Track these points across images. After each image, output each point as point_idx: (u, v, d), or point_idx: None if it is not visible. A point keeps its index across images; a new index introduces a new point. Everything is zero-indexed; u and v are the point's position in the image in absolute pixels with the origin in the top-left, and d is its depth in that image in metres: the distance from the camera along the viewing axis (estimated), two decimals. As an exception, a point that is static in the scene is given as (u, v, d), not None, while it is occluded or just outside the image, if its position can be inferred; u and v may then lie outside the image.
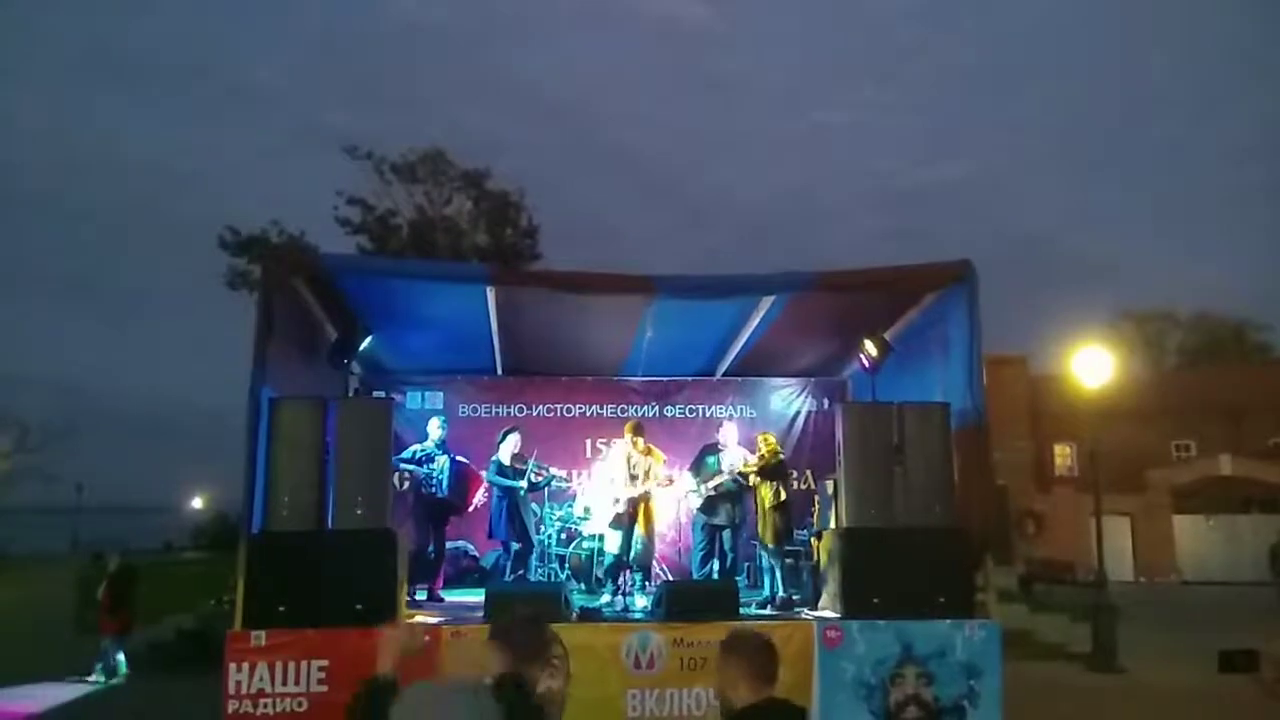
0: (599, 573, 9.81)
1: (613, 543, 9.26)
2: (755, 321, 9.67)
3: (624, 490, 9.09)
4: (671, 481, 9.72)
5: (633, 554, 9.07)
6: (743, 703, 2.55)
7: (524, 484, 9.36)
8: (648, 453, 9.25)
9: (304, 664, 6.80)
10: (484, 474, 9.60)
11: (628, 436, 9.29)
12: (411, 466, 9.29)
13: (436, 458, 9.36)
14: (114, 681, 10.74)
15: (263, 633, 6.84)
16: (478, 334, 9.92)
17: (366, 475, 7.40)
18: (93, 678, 10.68)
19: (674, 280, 8.38)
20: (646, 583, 9.37)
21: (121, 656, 10.94)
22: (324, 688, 6.76)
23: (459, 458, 9.56)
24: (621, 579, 8.97)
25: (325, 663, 6.80)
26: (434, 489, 9.27)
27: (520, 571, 9.30)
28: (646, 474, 9.13)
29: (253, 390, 7.25)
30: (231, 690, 6.74)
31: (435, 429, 9.63)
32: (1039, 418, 30.19)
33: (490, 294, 8.70)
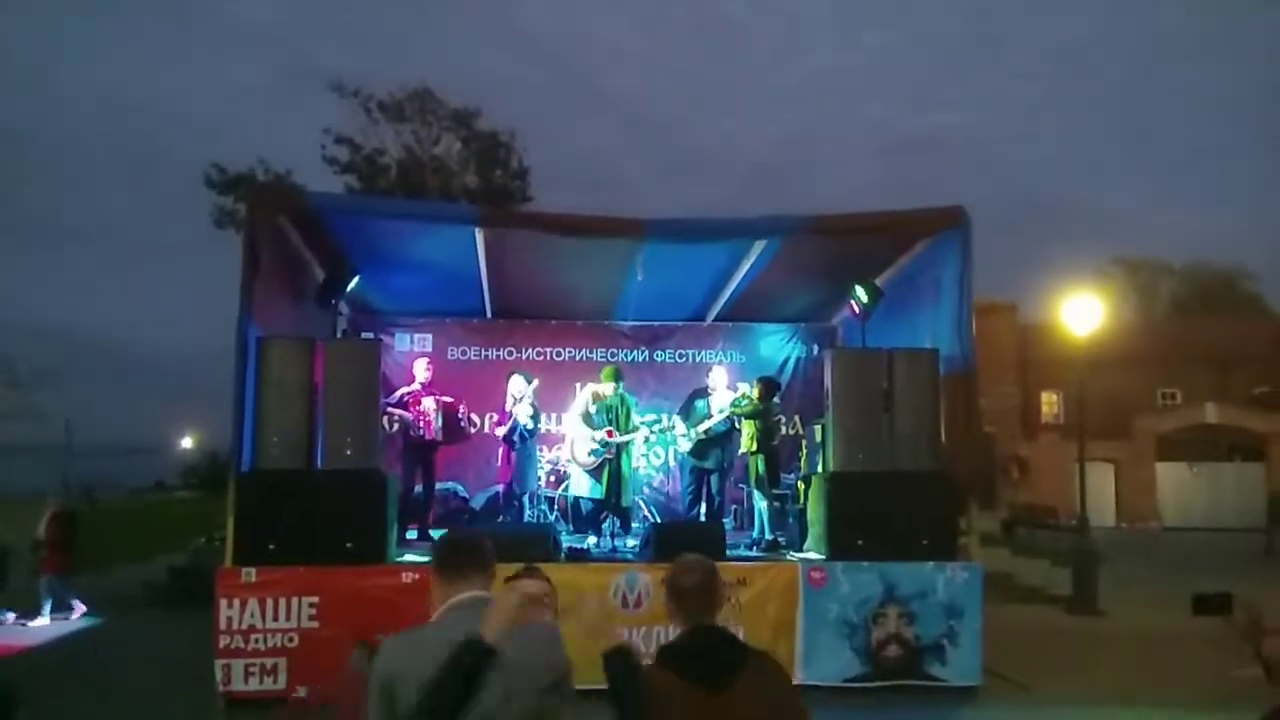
0: (583, 514, 9.91)
1: (584, 486, 9.34)
2: (747, 266, 9.63)
3: (600, 435, 9.14)
4: (662, 430, 9.80)
5: (615, 498, 9.14)
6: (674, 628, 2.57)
7: (502, 431, 9.44)
8: (621, 402, 9.27)
9: (295, 600, 6.89)
10: (500, 431, 9.63)
11: (605, 382, 9.31)
12: (399, 411, 9.30)
13: (423, 400, 9.37)
14: (77, 618, 10.72)
15: (253, 570, 6.92)
16: (467, 276, 9.86)
17: (355, 416, 7.42)
18: (44, 619, 10.64)
19: (665, 223, 8.31)
20: (633, 524, 9.46)
21: (76, 600, 10.90)
22: (315, 624, 6.86)
23: (445, 398, 9.56)
24: (604, 522, 9.06)
25: (316, 599, 6.89)
26: (421, 431, 9.30)
27: (506, 514, 9.41)
28: (625, 418, 9.17)
29: (240, 329, 7.22)
30: (223, 626, 6.83)
31: (422, 371, 9.63)
32: (1027, 365, 30.35)
33: (479, 235, 8.63)
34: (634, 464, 9.75)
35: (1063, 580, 12.92)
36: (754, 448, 8.99)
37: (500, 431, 9.53)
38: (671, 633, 2.61)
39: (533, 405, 9.54)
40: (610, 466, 9.11)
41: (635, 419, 9.34)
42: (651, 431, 9.62)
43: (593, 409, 9.27)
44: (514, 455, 9.42)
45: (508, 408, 9.53)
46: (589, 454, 9.27)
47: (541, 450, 10.56)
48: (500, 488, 9.92)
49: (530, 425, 9.48)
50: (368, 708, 2.39)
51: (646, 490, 11.11)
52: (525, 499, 9.62)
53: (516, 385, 9.58)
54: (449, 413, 9.49)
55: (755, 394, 9.18)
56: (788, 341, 11.89)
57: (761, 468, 8.98)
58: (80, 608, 10.95)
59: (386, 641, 2.36)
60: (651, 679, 2.41)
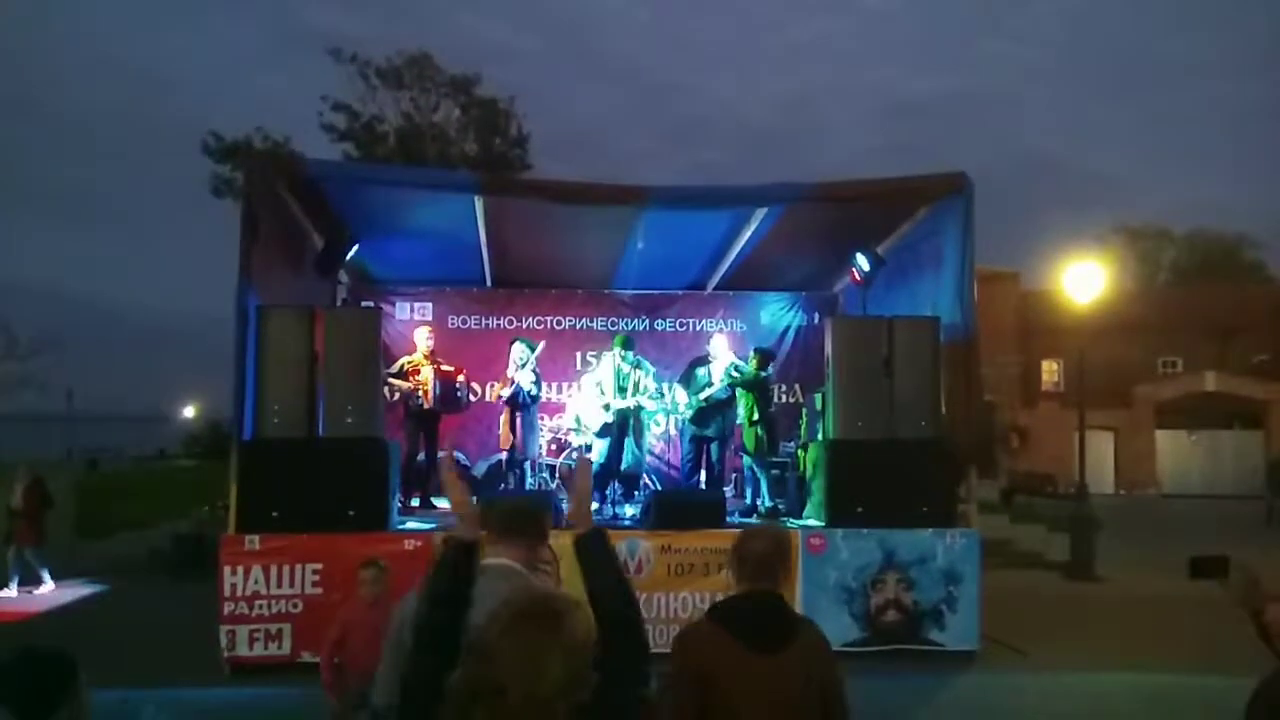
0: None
1: (598, 452, 9.36)
2: (747, 234, 9.59)
3: (612, 402, 9.15)
4: (662, 396, 9.81)
5: (623, 465, 9.19)
6: (733, 591, 2.62)
7: (506, 393, 9.41)
8: (636, 366, 9.29)
9: (298, 567, 6.95)
10: (504, 391, 9.61)
11: (616, 350, 9.32)
12: (398, 381, 9.29)
13: (422, 370, 9.37)
14: (44, 591, 10.67)
15: (257, 537, 6.97)
16: (467, 244, 9.82)
17: (356, 384, 7.44)
18: (10, 590, 10.60)
19: (666, 190, 8.28)
20: (635, 492, 9.51)
21: (46, 573, 10.82)
22: (318, 590, 6.92)
23: (444, 366, 9.56)
24: (609, 488, 9.10)
25: (319, 566, 6.95)
26: (420, 400, 9.31)
27: (512, 481, 9.44)
28: (635, 387, 9.19)
29: (239, 298, 7.22)
30: (227, 593, 6.90)
31: (423, 340, 9.62)
32: (1028, 333, 30.32)
33: (479, 203, 8.59)
34: (647, 430, 9.75)
35: (1060, 546, 13.00)
36: (752, 417, 9.01)
37: (505, 392, 9.49)
38: (699, 600, 2.68)
39: (535, 372, 9.54)
40: (620, 433, 9.13)
41: (649, 385, 9.35)
42: (651, 399, 9.66)
43: (612, 376, 9.27)
44: (517, 421, 9.42)
45: (509, 374, 9.53)
46: (602, 420, 9.28)
47: (543, 419, 10.58)
48: (503, 455, 9.94)
49: (534, 391, 9.49)
50: (389, 627, 2.54)
51: (648, 458, 11.15)
52: (527, 466, 9.65)
53: (519, 352, 9.57)
54: (446, 382, 9.49)
55: (752, 365, 9.18)
56: (788, 310, 11.87)
57: (760, 434, 9.00)
58: (49, 583, 10.79)
59: (409, 593, 2.47)
60: (700, 631, 2.49)
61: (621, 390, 9.17)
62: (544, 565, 3.21)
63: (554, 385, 11.04)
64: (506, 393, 9.49)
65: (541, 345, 9.74)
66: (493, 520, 2.63)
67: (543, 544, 2.66)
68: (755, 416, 8.97)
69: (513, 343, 9.76)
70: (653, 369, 9.61)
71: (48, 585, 10.71)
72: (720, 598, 2.76)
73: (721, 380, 9.23)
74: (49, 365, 41.93)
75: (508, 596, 1.67)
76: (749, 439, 9.11)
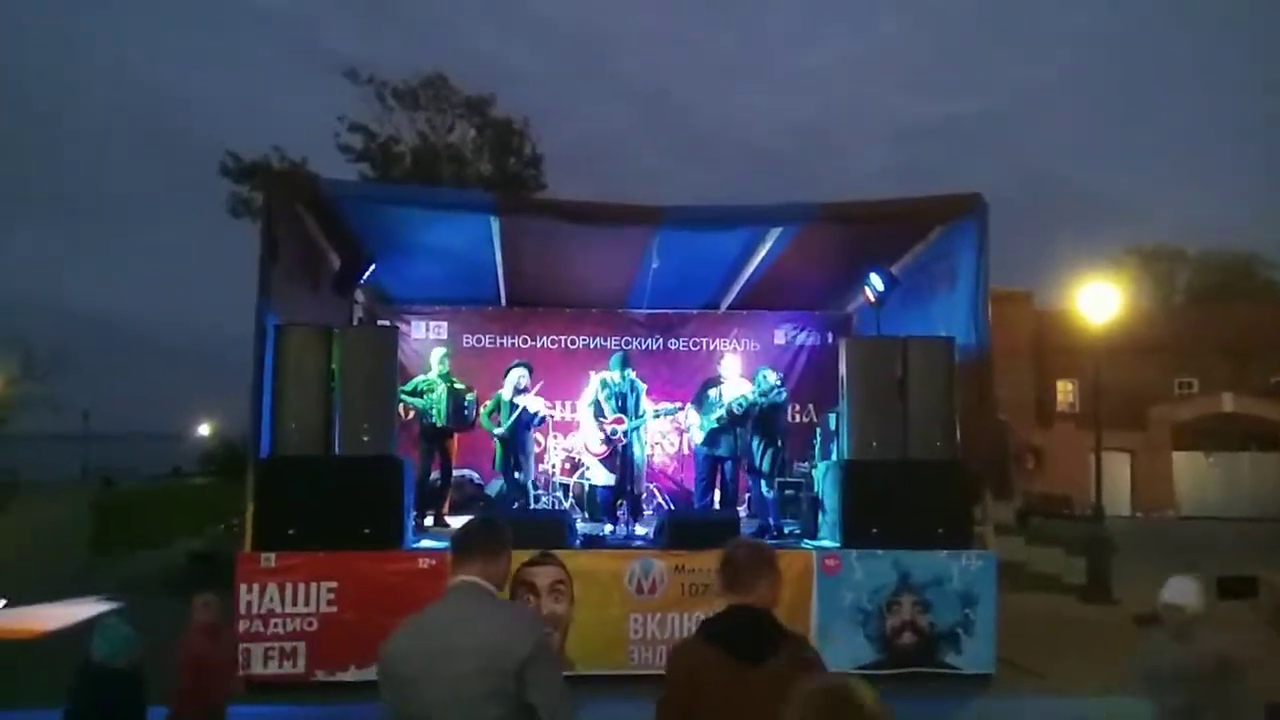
0: (598, 501, 9.93)
1: (600, 475, 9.37)
2: (761, 254, 9.62)
3: (610, 422, 9.16)
4: (668, 411, 9.83)
5: (627, 485, 9.17)
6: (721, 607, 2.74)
7: (500, 431, 9.39)
8: (631, 388, 9.28)
9: (313, 585, 6.96)
10: (481, 411, 9.65)
11: (614, 369, 9.32)
12: (411, 399, 9.34)
13: (436, 388, 9.41)
14: None
15: (272, 555, 6.99)
16: (482, 264, 9.89)
17: (372, 402, 7.47)
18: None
19: (680, 210, 8.32)
20: (640, 512, 9.49)
21: None
22: (333, 608, 6.93)
23: (457, 385, 9.59)
24: (619, 510, 9.10)
25: (334, 584, 6.96)
26: (433, 418, 9.34)
27: (520, 501, 9.44)
28: (635, 406, 9.19)
29: (258, 317, 7.28)
30: (243, 610, 6.91)
31: (437, 360, 9.66)
32: (1043, 354, 30.19)
33: (495, 223, 8.65)
34: (646, 451, 9.76)
35: (1077, 568, 12.88)
36: (761, 439, 9.02)
37: (500, 426, 9.45)
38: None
39: (516, 394, 9.52)
40: (621, 453, 9.14)
41: (645, 404, 9.35)
42: (659, 415, 9.67)
43: (602, 396, 9.29)
44: (511, 444, 9.41)
45: (508, 397, 9.51)
46: (600, 442, 9.31)
47: (556, 437, 10.61)
48: (499, 479, 9.96)
49: (540, 413, 9.53)
50: (219, 656, 2.72)
51: (661, 478, 11.14)
52: (530, 484, 9.61)
53: (520, 376, 9.59)
54: (457, 400, 9.51)
55: (764, 385, 9.18)
56: (802, 330, 11.87)
57: (769, 458, 9.00)
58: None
59: (405, 619, 2.58)
60: (690, 643, 2.69)
61: (620, 409, 9.18)
62: (559, 586, 3.23)
63: (566, 404, 11.05)
64: (507, 424, 9.43)
65: (523, 371, 9.70)
66: (450, 542, 2.75)
67: (501, 556, 2.69)
68: (766, 437, 8.98)
69: (512, 367, 9.74)
70: (644, 386, 9.60)
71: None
72: None
73: (734, 402, 9.20)
74: (65, 384, 42.27)
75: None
76: (758, 460, 9.10)
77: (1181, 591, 3.74)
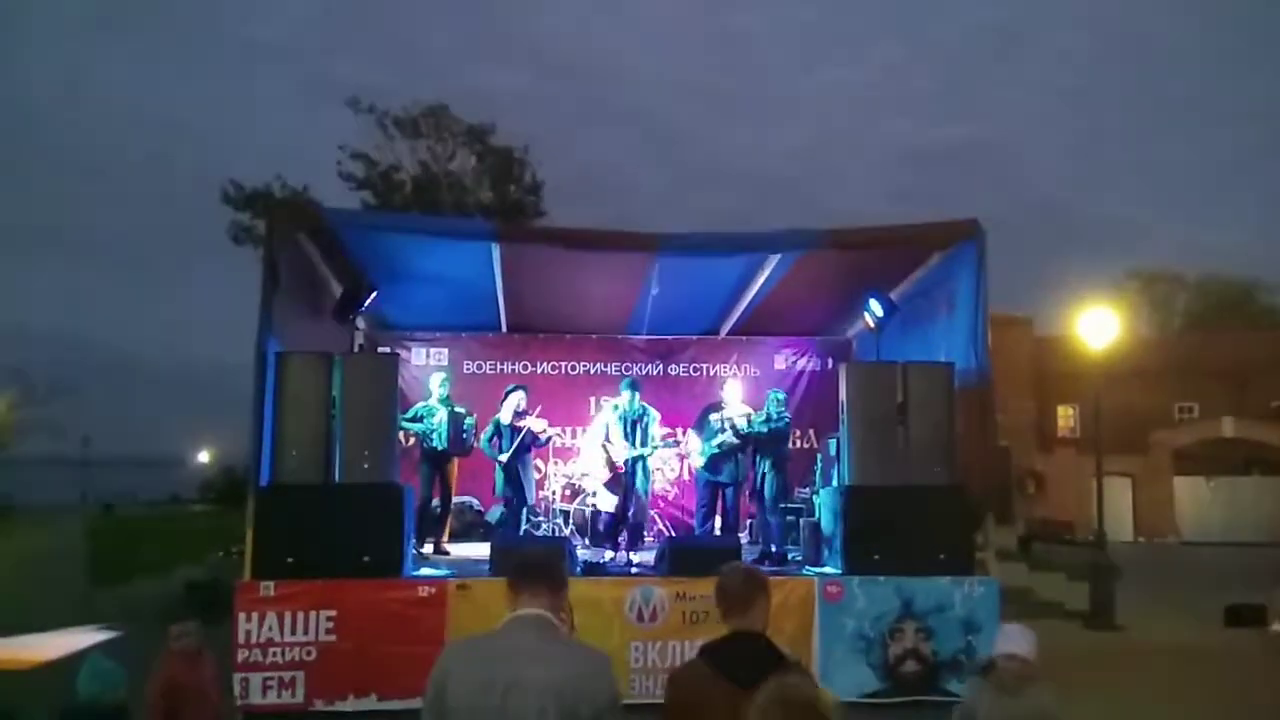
0: (600, 528, 9.90)
1: (606, 501, 9.33)
2: (761, 280, 9.65)
3: (620, 449, 9.13)
4: (675, 440, 9.81)
5: (629, 512, 9.13)
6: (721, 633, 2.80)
7: (503, 457, 9.35)
8: (642, 414, 9.26)
9: (312, 614, 6.91)
10: (480, 436, 9.64)
11: (624, 394, 9.31)
12: (412, 425, 9.32)
13: (436, 412, 9.40)
14: None
15: (271, 583, 6.95)
16: (482, 291, 9.92)
17: (372, 430, 7.47)
18: None
19: (680, 237, 8.36)
20: (644, 540, 9.46)
21: None
22: (332, 637, 6.88)
23: (458, 409, 9.57)
24: (620, 537, 9.07)
25: (333, 613, 6.91)
26: (434, 443, 9.32)
27: (524, 527, 9.41)
28: (644, 433, 9.17)
29: (259, 344, 7.29)
30: (241, 639, 6.86)
31: (437, 386, 9.66)
32: (1043, 379, 30.19)
33: (496, 251, 8.69)
34: (650, 478, 9.73)
35: (1080, 594, 12.82)
36: (768, 463, 9.01)
37: (506, 450, 9.43)
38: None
39: (515, 418, 9.52)
40: (626, 480, 9.11)
41: (655, 431, 9.32)
42: (664, 445, 9.64)
43: (613, 421, 9.25)
44: (512, 469, 9.39)
45: (506, 421, 9.49)
46: (607, 466, 9.27)
47: (556, 463, 10.59)
48: (500, 506, 9.92)
49: (546, 433, 9.52)
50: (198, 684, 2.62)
51: (661, 504, 11.12)
52: (526, 511, 9.56)
53: (519, 400, 9.59)
54: (457, 424, 9.50)
55: (774, 409, 9.19)
56: (801, 355, 11.89)
57: (774, 483, 8.99)
58: None
59: (451, 643, 2.63)
60: (689, 667, 2.75)
61: (629, 437, 9.15)
62: (559, 613, 3.20)
63: (567, 430, 11.04)
64: (509, 449, 9.41)
65: (521, 395, 9.67)
66: (511, 569, 2.62)
67: (564, 591, 2.64)
68: (771, 464, 8.97)
69: (511, 391, 9.72)
70: (658, 414, 9.56)
71: None
72: None
73: (735, 427, 9.20)
74: (65, 408, 42.24)
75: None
76: (764, 484, 9.09)
77: (1018, 641, 3.74)
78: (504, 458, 9.37)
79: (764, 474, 9.13)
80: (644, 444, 9.12)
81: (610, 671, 2.48)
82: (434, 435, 9.32)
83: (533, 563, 2.61)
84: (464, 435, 9.54)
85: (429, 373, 10.51)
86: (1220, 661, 8.07)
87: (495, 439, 9.49)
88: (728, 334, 11.70)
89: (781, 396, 9.56)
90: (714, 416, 9.50)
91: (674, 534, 10.35)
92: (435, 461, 9.45)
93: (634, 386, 9.35)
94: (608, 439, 9.28)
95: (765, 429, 9.05)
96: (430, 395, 9.66)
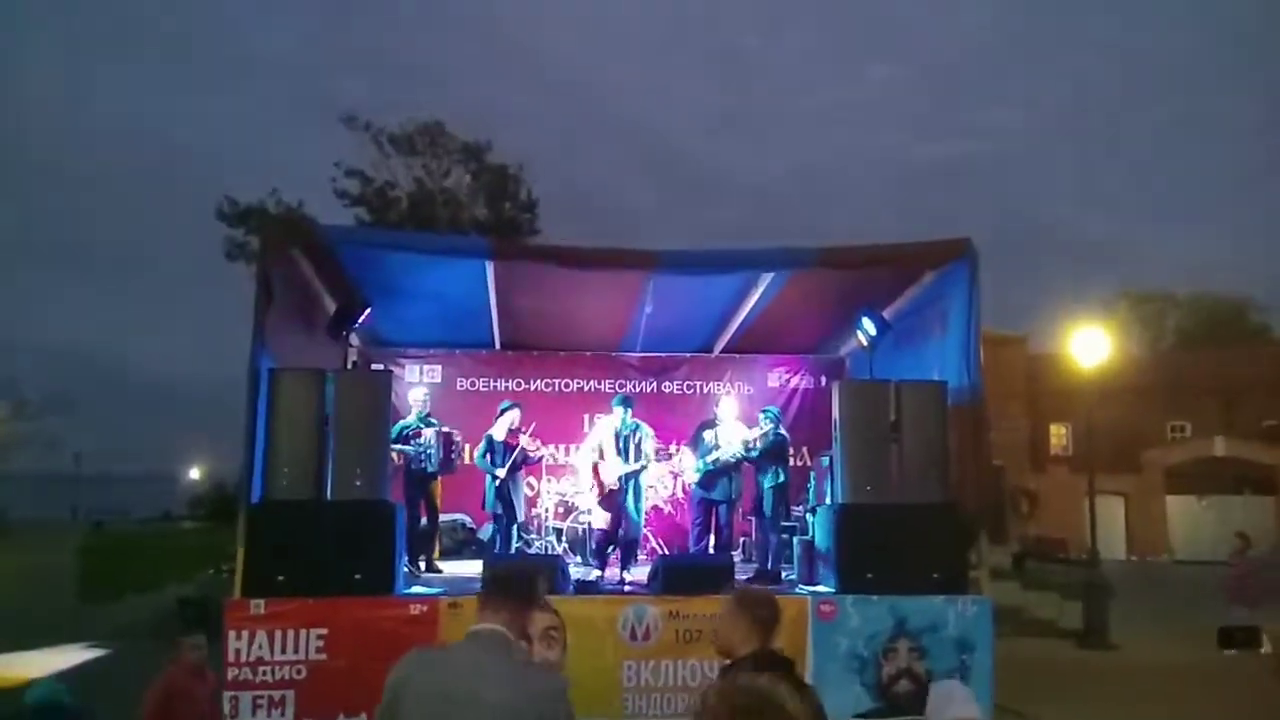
0: (593, 546, 9.86)
1: (599, 519, 9.30)
2: (754, 298, 9.68)
3: (614, 466, 9.10)
4: (669, 456, 9.77)
5: (622, 529, 9.10)
6: (741, 652, 2.86)
7: (501, 472, 9.32)
8: (635, 429, 9.25)
9: (303, 632, 6.85)
10: (477, 452, 9.61)
11: (616, 411, 9.29)
12: (401, 446, 9.25)
13: (424, 431, 9.37)
14: None
15: (262, 601, 6.89)
16: (476, 308, 9.92)
17: (365, 447, 7.44)
18: None
19: (674, 255, 8.38)
20: (637, 557, 9.42)
21: None
22: (323, 656, 6.82)
23: (444, 428, 9.54)
24: (612, 555, 9.04)
25: (324, 631, 6.86)
26: (424, 463, 9.28)
27: (517, 544, 9.37)
28: (637, 449, 9.15)
29: (252, 361, 7.26)
30: (231, 658, 6.79)
31: (417, 402, 9.63)
32: (1036, 397, 30.31)
33: (490, 268, 8.70)
34: (644, 495, 9.70)
35: (1073, 613, 12.83)
36: (767, 480, 9.01)
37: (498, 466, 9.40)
38: (708, 669, 2.92)
39: (510, 435, 9.50)
40: (619, 498, 9.09)
41: (648, 447, 9.29)
42: (658, 459, 9.62)
43: (608, 438, 9.23)
44: (503, 486, 9.37)
45: (500, 438, 9.47)
46: (602, 485, 9.23)
47: (549, 480, 10.56)
48: (491, 523, 9.88)
49: (540, 453, 9.50)
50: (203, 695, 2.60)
51: (655, 522, 11.08)
52: (516, 528, 9.52)
53: (514, 417, 9.57)
54: (446, 443, 9.47)
55: (765, 430, 9.19)
56: (795, 373, 11.91)
57: (775, 500, 8.99)
58: None
59: (411, 652, 2.54)
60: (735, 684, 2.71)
61: (623, 454, 9.13)
62: (552, 632, 3.18)
63: (560, 448, 11.03)
64: (505, 466, 9.39)
65: (516, 413, 9.67)
66: (481, 583, 2.64)
67: (529, 609, 2.63)
68: (768, 482, 8.98)
69: (507, 408, 9.71)
70: (651, 431, 9.54)
71: None
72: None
73: (731, 446, 9.18)
74: (57, 424, 42.06)
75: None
76: (759, 502, 9.09)
77: (966, 704, 3.48)
78: (501, 472, 9.34)
79: (765, 490, 9.12)
80: (637, 460, 9.10)
81: (567, 697, 2.50)
82: (425, 457, 9.27)
83: (500, 578, 2.67)
84: (453, 456, 9.52)
85: (414, 390, 10.47)
86: (1214, 682, 8.06)
87: (489, 454, 9.45)
88: (721, 352, 11.71)
89: (774, 411, 9.57)
90: (708, 434, 9.50)
91: (667, 552, 10.32)
92: (421, 481, 9.39)
93: (626, 403, 9.34)
94: (601, 456, 9.25)
95: (769, 446, 9.06)
96: (412, 414, 9.58)
